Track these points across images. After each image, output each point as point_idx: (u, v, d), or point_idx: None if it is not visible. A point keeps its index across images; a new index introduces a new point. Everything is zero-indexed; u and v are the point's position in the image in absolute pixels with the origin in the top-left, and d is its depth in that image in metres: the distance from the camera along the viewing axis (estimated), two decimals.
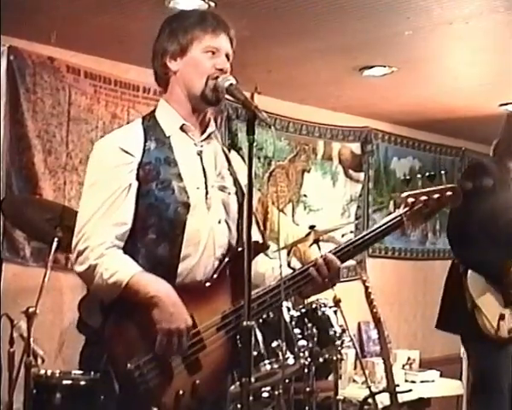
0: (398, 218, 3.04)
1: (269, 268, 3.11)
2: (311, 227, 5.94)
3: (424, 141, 8.60)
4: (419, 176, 3.18)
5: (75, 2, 4.69)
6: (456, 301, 4.72)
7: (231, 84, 2.88)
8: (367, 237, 3.05)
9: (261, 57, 5.60)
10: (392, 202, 8.24)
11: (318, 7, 4.80)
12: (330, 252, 3.01)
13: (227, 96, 2.92)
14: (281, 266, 2.87)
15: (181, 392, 2.80)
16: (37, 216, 4.86)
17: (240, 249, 2.94)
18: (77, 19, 4.96)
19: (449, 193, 3.06)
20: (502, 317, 4.58)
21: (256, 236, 2.99)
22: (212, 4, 4.66)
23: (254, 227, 2.92)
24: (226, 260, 2.96)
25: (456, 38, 5.45)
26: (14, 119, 5.37)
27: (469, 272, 4.62)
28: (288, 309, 4.83)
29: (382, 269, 7.95)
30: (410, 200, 3.02)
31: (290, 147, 7.29)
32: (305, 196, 7.41)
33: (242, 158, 3.21)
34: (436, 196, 3.04)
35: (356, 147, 7.94)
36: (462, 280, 4.67)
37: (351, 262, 7.08)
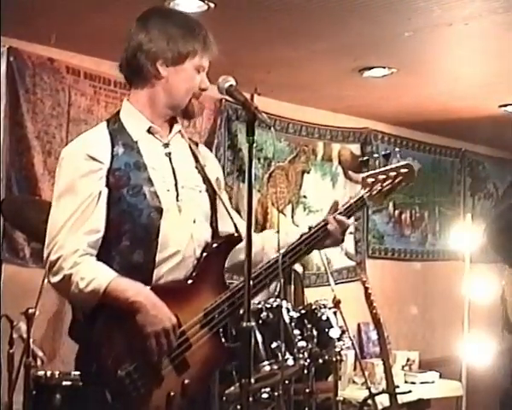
0: (361, 199, 3.14)
1: (266, 239, 3.20)
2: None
3: (424, 142, 8.60)
4: (376, 155, 3.26)
5: (75, 3, 4.70)
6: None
7: (231, 86, 2.88)
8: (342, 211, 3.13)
9: (261, 58, 5.61)
10: (391, 203, 8.26)
11: (318, 8, 4.81)
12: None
13: (227, 97, 2.92)
14: (278, 261, 2.93)
15: (172, 393, 2.81)
16: (37, 217, 4.85)
17: (215, 245, 2.98)
18: (77, 20, 4.97)
19: (404, 170, 3.16)
20: None
21: (230, 228, 3.06)
22: (212, 6, 4.66)
23: (228, 220, 3.03)
24: (204, 255, 2.95)
25: (455, 39, 5.46)
26: (14, 120, 5.38)
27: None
28: (288, 310, 4.83)
29: (382, 270, 7.96)
30: (370, 180, 3.11)
31: (290, 148, 7.30)
32: (304, 197, 7.41)
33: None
34: (393, 173, 3.11)
35: (355, 148, 7.94)
36: None
37: (350, 263, 7.09)
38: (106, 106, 5.86)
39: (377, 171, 3.14)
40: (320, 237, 3.11)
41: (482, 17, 4.97)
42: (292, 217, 7.27)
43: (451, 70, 6.25)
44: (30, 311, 4.65)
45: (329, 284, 5.38)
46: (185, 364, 2.85)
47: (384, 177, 3.12)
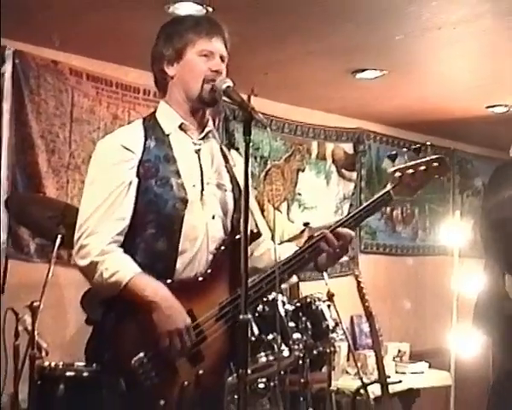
0: (387, 193, 3.05)
1: (281, 252, 3.10)
2: (306, 224, 5.94)
3: (414, 141, 8.56)
4: (405, 150, 3.15)
5: (78, 7, 4.69)
6: (493, 302, 4.67)
7: (228, 87, 2.90)
8: (362, 210, 3.08)
9: (258, 60, 5.61)
10: None
11: (313, 12, 4.80)
12: (335, 225, 3.03)
13: (224, 98, 2.93)
14: (276, 260, 2.92)
15: (186, 383, 2.82)
16: (41, 214, 4.86)
17: (236, 237, 2.94)
18: (79, 24, 4.96)
19: (435, 164, 3.05)
20: None
21: (251, 225, 2.99)
22: (210, 9, 4.66)
23: (250, 218, 2.95)
24: (222, 248, 2.96)
25: (444, 42, 5.45)
26: (19, 119, 5.37)
27: (507, 276, 4.56)
28: (284, 303, 4.85)
29: (375, 265, 7.96)
30: (397, 174, 3.02)
31: (285, 147, 7.30)
32: (299, 194, 7.41)
33: (239, 152, 3.22)
34: (422, 168, 3.03)
35: (349, 147, 7.94)
36: (498, 285, 4.60)
37: (344, 258, 7.08)
38: (108, 106, 5.85)
39: (406, 165, 3.04)
40: (309, 257, 3.03)
41: (470, 22, 4.98)
42: (287, 213, 7.27)
43: (441, 72, 6.25)
44: (34, 304, 4.65)
45: (323, 279, 5.38)
46: (200, 356, 2.86)
47: (413, 171, 3.04)
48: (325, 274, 5.39)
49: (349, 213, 3.12)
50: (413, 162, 3.04)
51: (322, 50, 5.57)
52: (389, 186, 3.05)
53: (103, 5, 4.66)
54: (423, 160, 3.04)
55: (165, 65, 3.01)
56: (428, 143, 3.14)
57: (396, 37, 5.26)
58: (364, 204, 3.09)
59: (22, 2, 4.58)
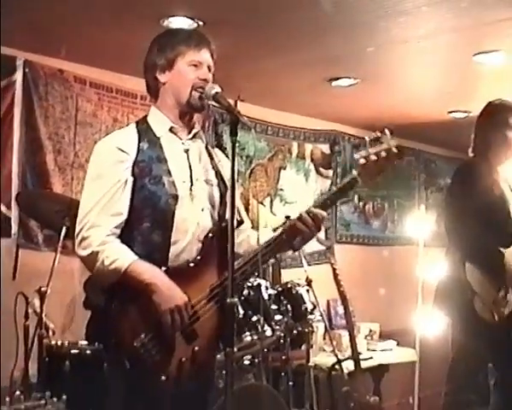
0: (353, 178, 3.04)
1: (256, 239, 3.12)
2: (287, 217, 5.88)
3: (383, 142, 8.58)
4: (367, 138, 3.13)
5: (82, 22, 4.69)
6: (454, 287, 4.68)
7: (217, 93, 2.91)
8: (332, 193, 3.10)
9: (244, 69, 5.60)
10: (356, 196, 8.28)
11: (293, 26, 4.81)
12: (309, 207, 3.05)
13: (213, 103, 2.93)
14: (258, 241, 2.95)
15: (183, 359, 2.82)
16: (49, 208, 4.85)
17: (222, 226, 2.97)
18: (83, 36, 4.96)
19: (395, 150, 3.06)
20: (495, 302, 4.56)
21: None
22: (201, 23, 4.65)
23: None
24: (209, 237, 2.97)
25: (410, 54, 5.47)
26: (29, 123, 5.36)
27: (467, 263, 4.57)
28: (267, 288, 4.86)
29: (349, 254, 7.97)
30: (362, 161, 3.02)
31: (269, 147, 7.29)
32: (281, 190, 7.41)
33: (226, 155, 3.22)
34: (384, 154, 3.03)
35: (325, 148, 7.94)
36: (459, 271, 4.61)
37: (321, 248, 7.09)
38: (108, 110, 5.85)
39: (368, 152, 3.02)
40: (289, 239, 3.03)
41: (434, 36, 4.99)
42: (270, 207, 7.27)
43: (407, 81, 6.26)
44: (42, 289, 4.66)
45: (303, 266, 5.39)
46: (194, 334, 2.87)
47: (375, 157, 3.02)
48: (304, 262, 5.40)
49: (321, 196, 3.12)
50: (375, 149, 3.03)
51: (301, 61, 5.56)
52: (355, 172, 3.05)
53: (105, 20, 4.67)
54: (384, 147, 3.04)
55: (157, 72, 3.02)
56: (387, 130, 3.12)
57: (368, 49, 5.27)
58: (334, 188, 3.12)
59: (33, 18, 4.56)
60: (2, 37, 4.73)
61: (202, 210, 2.99)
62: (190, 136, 3.08)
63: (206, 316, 2.89)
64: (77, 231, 2.88)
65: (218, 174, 3.11)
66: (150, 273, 2.81)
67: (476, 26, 4.81)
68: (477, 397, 4.82)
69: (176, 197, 2.92)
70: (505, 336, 4.64)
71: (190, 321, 2.85)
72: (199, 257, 2.94)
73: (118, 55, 5.22)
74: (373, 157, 3.01)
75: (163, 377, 2.78)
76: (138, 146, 2.93)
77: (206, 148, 3.16)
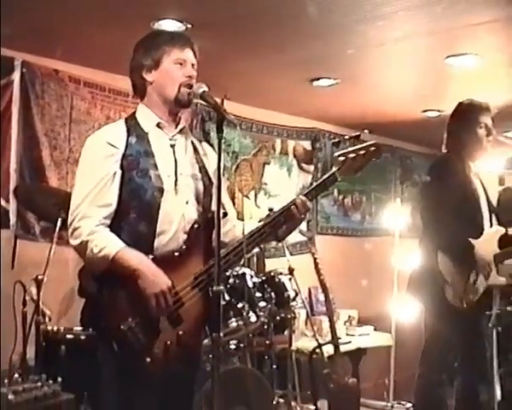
0: (333, 174, 3.06)
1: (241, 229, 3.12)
2: (270, 209, 5.90)
3: (362, 140, 8.59)
4: (347, 137, 3.15)
5: (77, 25, 4.67)
6: (427, 275, 4.70)
7: (204, 91, 2.90)
8: (313, 188, 3.11)
9: (230, 69, 5.59)
10: (336, 189, 8.29)
11: (277, 29, 4.81)
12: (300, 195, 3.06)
13: (200, 101, 2.92)
14: (243, 232, 2.96)
15: (168, 343, 2.82)
16: (45, 200, 4.84)
17: (207, 217, 2.98)
18: (78, 38, 4.94)
19: (372, 148, 3.07)
20: (464, 290, 4.58)
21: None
22: (190, 26, 4.64)
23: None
24: (194, 228, 2.96)
25: (387, 56, 5.47)
26: (26, 120, 5.34)
27: (439, 253, 4.58)
28: (251, 277, 4.86)
29: (329, 244, 7.98)
30: (341, 158, 3.04)
31: (253, 144, 7.28)
32: (265, 184, 7.41)
33: (214, 148, 3.21)
34: (362, 152, 3.05)
35: (307, 144, 7.95)
36: (431, 260, 4.63)
37: (303, 238, 7.09)
38: (101, 109, 5.83)
39: (347, 150, 3.06)
40: (282, 221, 3.05)
41: (409, 39, 5.00)
42: (255, 200, 7.27)
43: (384, 82, 6.27)
44: (39, 277, 4.65)
45: (285, 256, 5.40)
46: (179, 318, 2.86)
47: (354, 155, 3.04)
48: (287, 252, 5.40)
49: (304, 190, 3.13)
50: (354, 147, 3.05)
51: (284, 61, 5.56)
52: (334, 168, 3.07)
53: (99, 23, 4.65)
54: (362, 145, 3.06)
55: (144, 72, 3.01)
56: (366, 131, 3.15)
57: (347, 51, 5.27)
58: (315, 184, 3.12)
59: (30, 21, 4.54)
60: (2, 39, 4.73)
61: (187, 203, 2.98)
62: (176, 131, 3.07)
63: (191, 302, 2.89)
64: (69, 222, 2.88)
65: (203, 168, 3.10)
66: (137, 260, 2.80)
67: (448, 31, 4.83)
68: (447, 378, 4.85)
69: (161, 190, 2.91)
70: (472, 321, 4.69)
71: (175, 307, 2.85)
72: (184, 246, 2.93)
73: (110, 56, 5.19)
74: (351, 155, 3.03)
75: (148, 359, 2.78)
76: (127, 140, 2.92)
77: (192, 143, 3.15)
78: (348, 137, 3.12)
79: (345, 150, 3.04)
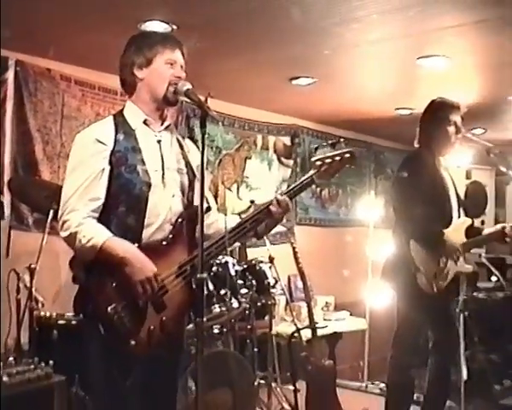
0: (310, 177, 3.08)
1: (223, 222, 3.11)
2: (252, 201, 5.98)
3: (339, 136, 8.60)
4: (324, 144, 3.18)
5: (68, 26, 4.65)
6: (400, 263, 4.72)
7: (188, 89, 2.90)
8: (292, 189, 3.09)
9: (213, 68, 5.58)
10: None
11: (258, 30, 4.81)
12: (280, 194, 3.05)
13: (185, 98, 2.92)
14: (226, 228, 2.96)
15: (152, 327, 2.82)
16: (38, 193, 4.82)
17: (187, 213, 2.98)
18: (69, 39, 4.92)
19: (347, 155, 3.10)
20: (435, 275, 4.61)
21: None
22: (175, 27, 4.63)
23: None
24: (180, 220, 2.96)
25: (362, 57, 5.48)
26: (20, 117, 5.32)
27: (411, 241, 4.61)
28: (233, 265, 4.87)
29: (307, 234, 8.00)
30: (318, 163, 3.07)
31: (236, 139, 7.29)
32: (247, 177, 7.41)
33: (196, 146, 3.20)
34: (338, 158, 3.08)
35: (287, 140, 7.96)
36: (404, 248, 4.65)
37: (282, 229, 7.10)
38: (91, 106, 5.81)
39: (325, 156, 3.08)
40: (262, 218, 3.04)
41: (382, 41, 5.01)
42: (237, 193, 7.27)
43: (359, 81, 6.28)
44: (32, 266, 4.65)
45: (266, 245, 5.41)
46: (163, 305, 2.86)
47: (330, 161, 3.07)
48: (267, 242, 5.42)
49: (284, 191, 3.13)
50: (330, 154, 3.09)
51: (265, 61, 5.56)
52: (312, 172, 3.09)
53: (89, 24, 4.63)
54: (338, 152, 3.10)
55: (135, 69, 2.99)
56: (342, 140, 3.19)
57: (324, 51, 5.28)
58: (293, 185, 3.12)
59: (23, 22, 4.52)
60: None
61: (173, 196, 2.98)
62: (162, 128, 3.06)
63: (175, 290, 2.89)
64: (59, 215, 2.88)
65: (188, 163, 3.09)
66: (123, 248, 2.80)
67: (419, 34, 4.85)
68: (418, 360, 4.89)
69: (149, 185, 2.90)
70: (442, 305, 4.72)
71: (160, 293, 2.85)
72: (170, 236, 2.93)
73: (100, 55, 5.17)
74: (328, 160, 3.06)
75: (133, 342, 2.78)
76: (115, 137, 2.90)
77: (177, 139, 3.15)
78: (326, 144, 3.14)
79: (322, 156, 3.07)
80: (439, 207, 4.67)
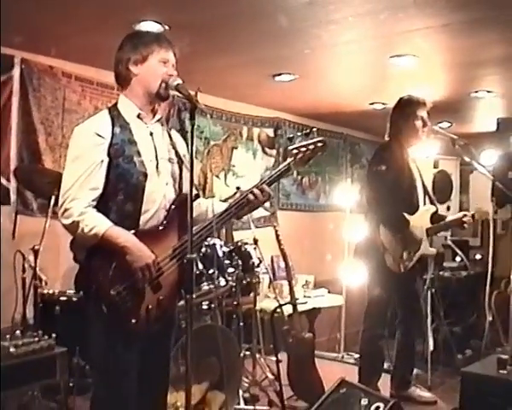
0: (288, 165, 3.11)
1: (209, 204, 3.15)
2: (237, 188, 5.95)
3: (318, 128, 8.62)
4: (299, 134, 3.22)
5: (69, 27, 4.64)
6: (371, 245, 4.76)
7: (178, 84, 2.91)
8: (272, 176, 3.11)
9: (203, 66, 5.58)
10: (295, 171, 8.32)
11: (244, 31, 4.82)
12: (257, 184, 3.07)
13: (175, 92, 2.93)
14: (213, 211, 3.02)
15: (150, 306, 2.84)
16: (41, 180, 4.83)
17: (179, 200, 2.98)
18: (70, 38, 4.92)
19: (320, 144, 3.13)
20: (401, 256, 4.66)
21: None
22: (167, 28, 4.63)
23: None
24: (173, 206, 2.98)
25: (338, 56, 5.50)
26: (25, 110, 5.32)
27: (381, 226, 4.65)
28: (221, 246, 4.89)
29: (290, 219, 8.03)
30: (295, 151, 3.10)
31: (223, 131, 7.29)
32: (233, 166, 7.42)
33: (184, 137, 3.21)
34: (311, 147, 3.11)
35: (270, 131, 7.97)
36: (374, 232, 4.70)
37: (266, 214, 7.12)
38: (90, 100, 5.81)
39: (300, 144, 3.11)
40: (245, 204, 3.05)
41: (357, 41, 5.03)
42: (224, 180, 7.28)
43: (336, 77, 6.30)
44: (36, 247, 4.67)
45: (251, 228, 5.43)
46: (159, 285, 2.88)
47: (305, 149, 3.10)
48: (252, 225, 5.43)
49: (265, 177, 3.15)
50: (305, 143, 3.12)
51: (251, 60, 5.57)
52: (289, 160, 3.11)
53: (88, 25, 4.63)
54: (312, 141, 3.12)
55: (130, 64, 2.97)
56: (315, 129, 3.23)
57: (305, 51, 5.29)
58: (273, 172, 3.13)
59: (28, 23, 4.51)
60: (5, 39, 4.70)
61: (166, 184, 2.99)
62: (154, 121, 3.06)
63: (169, 271, 2.91)
64: (60, 203, 2.85)
65: (177, 153, 3.10)
66: (124, 237, 2.80)
67: (391, 35, 4.87)
68: (388, 332, 4.95)
69: (145, 174, 2.90)
70: (407, 283, 4.79)
71: (156, 275, 2.86)
72: (165, 221, 2.95)
73: (98, 53, 5.15)
74: (303, 149, 3.09)
75: (133, 320, 2.80)
76: (112, 131, 2.90)
77: (167, 130, 3.15)
78: (301, 134, 3.18)
79: (297, 145, 3.11)
80: (406, 195, 4.72)
